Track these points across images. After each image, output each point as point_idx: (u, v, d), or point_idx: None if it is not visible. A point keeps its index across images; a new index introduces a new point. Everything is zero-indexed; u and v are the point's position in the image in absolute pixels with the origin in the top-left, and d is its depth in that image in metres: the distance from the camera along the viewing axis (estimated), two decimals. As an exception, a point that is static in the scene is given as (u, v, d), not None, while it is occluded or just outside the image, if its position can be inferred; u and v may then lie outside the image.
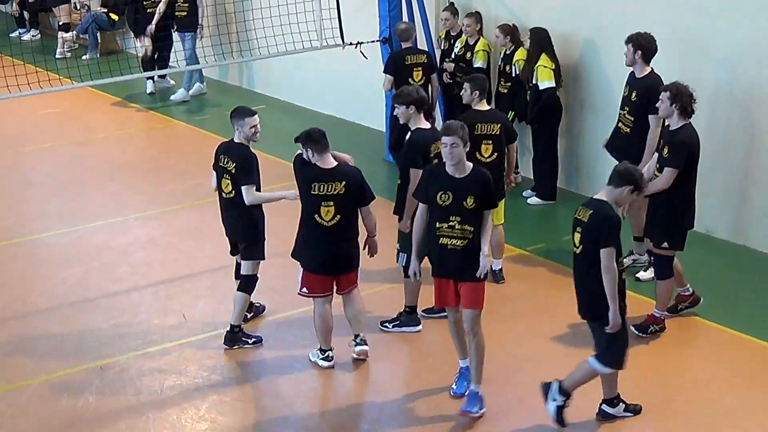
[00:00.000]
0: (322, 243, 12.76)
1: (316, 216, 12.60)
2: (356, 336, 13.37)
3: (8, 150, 20.62)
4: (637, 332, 13.90)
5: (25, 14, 29.23)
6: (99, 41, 26.42)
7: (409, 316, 13.98)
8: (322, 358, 13.09)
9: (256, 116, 13.32)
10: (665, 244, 13.78)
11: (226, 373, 13.09)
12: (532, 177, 18.13)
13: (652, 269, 15.04)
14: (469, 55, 18.36)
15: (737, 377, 12.86)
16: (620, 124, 15.15)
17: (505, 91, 18.06)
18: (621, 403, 12.15)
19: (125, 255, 16.14)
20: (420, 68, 18.33)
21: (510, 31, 17.96)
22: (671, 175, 13.37)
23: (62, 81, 22.03)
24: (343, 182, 12.69)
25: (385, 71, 18.66)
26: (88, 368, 13.07)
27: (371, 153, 19.78)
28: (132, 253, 16.20)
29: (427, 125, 13.65)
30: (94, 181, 19.21)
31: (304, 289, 12.85)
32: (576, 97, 17.88)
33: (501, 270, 15.08)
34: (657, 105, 13.65)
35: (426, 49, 18.87)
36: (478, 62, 18.12)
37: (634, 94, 14.86)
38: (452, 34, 18.96)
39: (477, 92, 14.43)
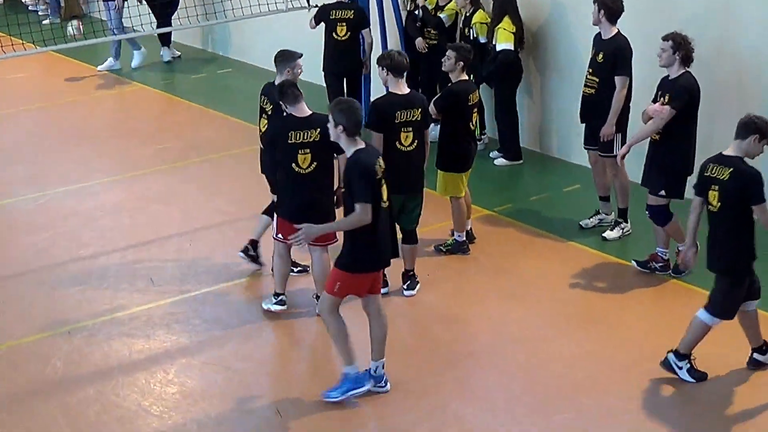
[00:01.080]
0: (298, 191, 12.76)
1: (293, 164, 12.60)
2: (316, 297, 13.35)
3: (-27, 115, 20.70)
4: (639, 267, 14.39)
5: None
6: (62, 5, 26.36)
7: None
8: (275, 302, 13.31)
9: (301, 59, 13.77)
10: (663, 192, 13.91)
11: (194, 336, 13.08)
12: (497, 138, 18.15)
13: (618, 228, 15.30)
14: (438, 13, 18.34)
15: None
16: (585, 87, 15.17)
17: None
18: None
19: (92, 220, 16.12)
20: (344, 23, 18.51)
21: None
22: (669, 115, 13.49)
23: (25, 46, 22.04)
24: (318, 129, 12.64)
25: (315, 19, 18.96)
26: (56, 333, 13.05)
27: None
28: (99, 218, 16.17)
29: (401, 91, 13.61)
30: (59, 146, 19.21)
31: (279, 235, 12.95)
32: (542, 59, 17.91)
33: (465, 242, 15.05)
34: (659, 55, 13.70)
35: (357, 5, 18.84)
36: (445, 16, 18.21)
37: (600, 56, 14.84)
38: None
39: (461, 63, 14.42)
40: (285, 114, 12.84)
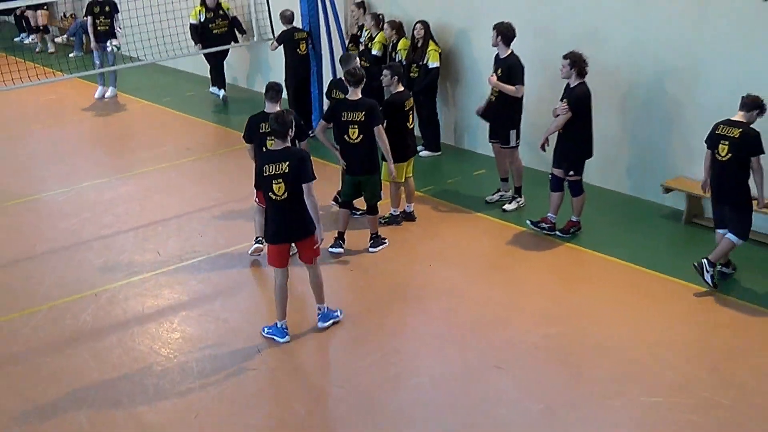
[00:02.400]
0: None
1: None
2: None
3: (17, 128, 20.40)
4: (561, 234, 14.36)
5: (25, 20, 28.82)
6: (84, 42, 26.18)
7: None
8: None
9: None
10: (572, 172, 14.12)
11: (192, 294, 13.07)
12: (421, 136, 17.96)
13: (515, 202, 15.37)
14: (370, 44, 18.15)
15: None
16: (490, 95, 15.19)
17: (414, 75, 17.59)
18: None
19: (111, 207, 16.01)
20: (304, 41, 18.66)
21: (396, 26, 17.75)
22: (566, 118, 13.77)
23: (55, 74, 22.00)
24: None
25: (277, 41, 19.12)
26: (85, 295, 13.05)
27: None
28: (116, 206, 16.06)
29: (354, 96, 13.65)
30: (83, 150, 19.04)
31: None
32: (454, 74, 17.80)
33: (399, 215, 15.06)
34: (561, 69, 13.93)
35: (306, 29, 18.83)
36: (374, 51, 17.90)
37: (499, 71, 14.88)
38: (357, 25, 18.74)
39: (396, 77, 14.45)
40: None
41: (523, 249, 14.13)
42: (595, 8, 15.55)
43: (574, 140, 14.02)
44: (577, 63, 13.86)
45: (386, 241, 14.30)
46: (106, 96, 22.13)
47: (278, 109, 12.85)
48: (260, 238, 13.75)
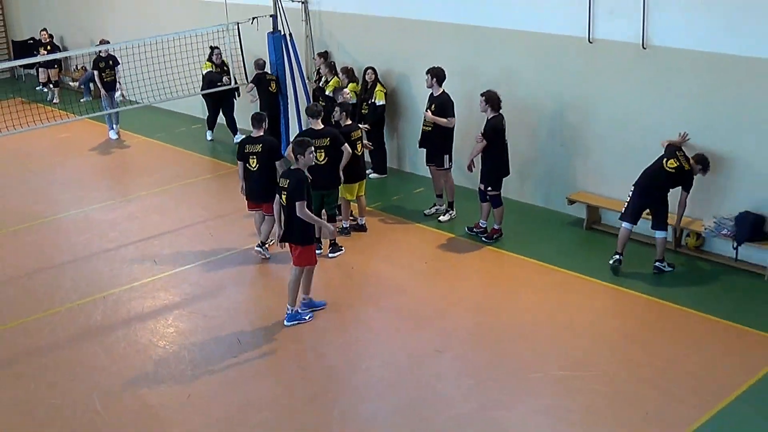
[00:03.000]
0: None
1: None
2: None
3: (38, 161, 20.10)
4: (486, 239, 14.32)
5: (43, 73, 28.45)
6: (92, 90, 25.84)
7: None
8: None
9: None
10: (490, 188, 14.15)
11: (183, 296, 13.00)
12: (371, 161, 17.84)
13: (448, 214, 15.31)
14: (326, 87, 18.03)
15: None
16: (424, 127, 15.15)
17: (365, 112, 17.42)
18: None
19: (114, 225, 15.89)
20: (274, 82, 18.61)
21: (347, 72, 17.71)
22: (482, 145, 13.82)
23: (69, 116, 21.90)
24: (260, 144, 13.51)
25: (252, 82, 18.96)
26: (96, 298, 13.00)
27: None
28: (119, 224, 15.93)
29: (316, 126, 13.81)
30: (90, 178, 18.78)
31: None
32: (396, 110, 17.75)
33: (365, 224, 15.07)
34: (480, 104, 13.94)
35: (275, 74, 18.75)
36: (328, 91, 17.72)
37: (433, 107, 14.88)
38: (316, 70, 18.70)
39: (344, 113, 14.50)
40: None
41: (456, 253, 14.09)
42: (511, 55, 15.59)
43: (492, 162, 14.05)
44: (490, 100, 13.92)
45: (343, 248, 14.24)
46: (114, 137, 21.89)
47: (261, 133, 13.62)
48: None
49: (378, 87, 17.21)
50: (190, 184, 18.05)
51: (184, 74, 19.89)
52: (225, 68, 19.65)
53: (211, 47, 20.01)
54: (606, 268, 13.12)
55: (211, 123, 21.01)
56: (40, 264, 14.44)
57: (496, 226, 14.45)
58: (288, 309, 12.05)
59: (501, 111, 13.98)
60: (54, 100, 25.45)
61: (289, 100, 18.86)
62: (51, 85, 26.19)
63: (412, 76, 17.17)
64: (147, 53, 19.79)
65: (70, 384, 10.86)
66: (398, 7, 17.31)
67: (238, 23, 18.97)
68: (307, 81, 18.83)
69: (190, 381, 10.84)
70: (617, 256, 13.01)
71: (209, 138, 20.93)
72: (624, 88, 14.16)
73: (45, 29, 26.45)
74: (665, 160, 12.84)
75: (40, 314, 12.67)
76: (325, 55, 18.63)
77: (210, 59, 20.15)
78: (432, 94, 15.07)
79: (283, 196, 11.62)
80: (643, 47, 13.64)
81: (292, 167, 11.69)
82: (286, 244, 11.93)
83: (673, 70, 13.48)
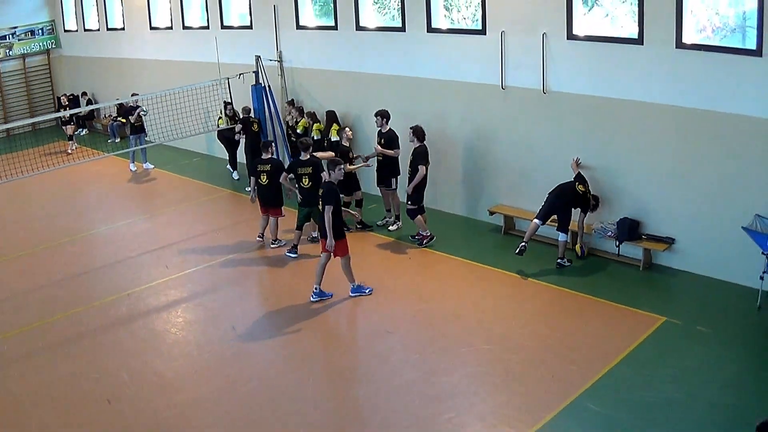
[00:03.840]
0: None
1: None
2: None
3: (77, 190, 19.81)
4: (419, 245, 14.05)
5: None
6: (117, 133, 25.40)
7: None
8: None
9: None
10: (409, 203, 14.01)
11: (189, 292, 12.91)
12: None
13: (396, 225, 15.13)
14: (296, 127, 17.87)
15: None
16: (378, 158, 14.98)
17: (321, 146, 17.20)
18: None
19: (136, 238, 15.71)
20: (256, 124, 18.14)
21: (311, 115, 17.55)
22: (424, 170, 13.53)
23: (99, 153, 21.67)
24: (269, 164, 13.92)
25: (239, 123, 18.30)
26: (121, 295, 12.92)
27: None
28: (139, 237, 15.77)
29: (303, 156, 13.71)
30: (118, 202, 18.58)
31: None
32: (354, 143, 17.18)
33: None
34: (409, 135, 13.85)
35: (257, 117, 18.37)
36: (299, 129, 17.49)
37: (382, 141, 14.68)
38: (288, 115, 18.35)
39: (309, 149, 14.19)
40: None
41: (400, 254, 13.99)
42: (441, 99, 15.54)
43: (417, 184, 13.88)
44: (416, 132, 13.78)
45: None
46: (144, 168, 21.40)
47: (269, 156, 14.05)
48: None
49: (333, 126, 16.86)
50: (193, 205, 17.86)
51: (188, 119, 19.71)
52: (237, 118, 18.90)
53: (225, 102, 19.18)
54: (519, 264, 13.06)
55: (233, 164, 19.99)
56: (80, 269, 14.27)
57: (422, 233, 14.20)
58: (315, 288, 12.08)
59: (425, 141, 13.85)
60: (69, 151, 24.82)
61: (268, 137, 18.65)
62: (70, 139, 25.58)
63: (364, 116, 17.08)
64: (158, 103, 19.66)
65: (104, 361, 10.84)
66: (351, 63, 17.23)
67: (228, 78, 18.93)
68: (282, 122, 18.73)
69: (196, 358, 10.81)
70: (523, 244, 12.92)
71: (236, 177, 19.65)
72: (530, 124, 14.16)
73: (65, 94, 26.17)
74: (577, 183, 12.92)
75: (81, 308, 12.56)
76: (292, 103, 18.44)
77: (225, 113, 19.23)
78: (380, 131, 14.86)
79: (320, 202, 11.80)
80: (544, 92, 13.70)
81: (325, 180, 11.92)
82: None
83: (566, 109, 13.55)
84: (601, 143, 13.24)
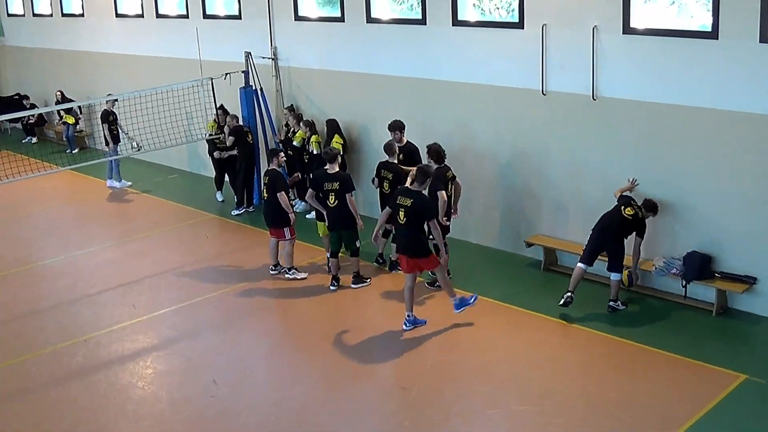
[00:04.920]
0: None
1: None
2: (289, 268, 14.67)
3: (22, 209, 19.91)
4: (428, 286, 14.07)
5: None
6: (75, 145, 25.53)
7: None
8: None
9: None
10: (431, 236, 13.37)
11: (161, 338, 12.91)
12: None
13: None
14: (293, 138, 17.95)
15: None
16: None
17: (306, 161, 17.63)
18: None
19: (95, 270, 15.78)
20: (248, 134, 18.43)
21: (309, 125, 17.61)
22: (444, 195, 13.35)
23: (52, 167, 21.80)
24: (267, 176, 14.36)
25: (231, 136, 18.49)
26: (78, 341, 12.86)
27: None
28: (100, 269, 15.82)
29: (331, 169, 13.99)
30: (72, 226, 18.67)
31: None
32: (359, 159, 17.64)
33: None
34: (427, 160, 13.70)
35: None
36: (295, 142, 17.67)
37: (401, 156, 14.69)
38: (286, 122, 18.52)
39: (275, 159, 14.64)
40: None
41: (418, 293, 13.70)
42: (466, 107, 15.59)
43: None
44: (433, 153, 13.65)
45: (369, 280, 14.47)
46: (118, 187, 21.54)
47: (271, 167, 14.49)
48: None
49: (335, 138, 17.04)
50: (167, 232, 17.94)
51: (162, 128, 19.85)
52: (226, 130, 19.01)
53: (220, 108, 19.31)
54: (563, 308, 13.07)
55: (219, 183, 19.91)
56: (26, 308, 14.29)
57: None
58: (407, 315, 12.61)
59: (445, 163, 13.77)
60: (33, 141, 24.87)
61: (260, 151, 18.87)
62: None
63: (373, 127, 17.14)
64: (125, 108, 19.80)
65: (54, 423, 10.74)
66: (360, 62, 17.36)
67: (212, 79, 19.00)
68: (277, 132, 18.85)
69: (169, 420, 10.71)
70: (569, 294, 12.89)
71: (219, 199, 19.78)
72: (576, 137, 14.23)
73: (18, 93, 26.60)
74: (623, 207, 12.88)
75: (26, 356, 12.50)
76: (291, 109, 18.54)
77: (216, 121, 19.39)
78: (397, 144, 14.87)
79: (401, 213, 12.33)
80: (594, 98, 13.72)
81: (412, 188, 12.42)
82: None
83: (621, 119, 13.59)
84: (665, 161, 13.25)
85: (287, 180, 15.76)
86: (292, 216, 14.56)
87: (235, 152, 18.86)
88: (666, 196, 13.25)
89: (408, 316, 12.62)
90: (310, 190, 14.27)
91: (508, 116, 15.06)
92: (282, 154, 15.07)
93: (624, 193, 13.19)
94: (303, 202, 17.70)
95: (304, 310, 13.68)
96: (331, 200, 13.93)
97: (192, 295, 14.44)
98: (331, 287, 14.34)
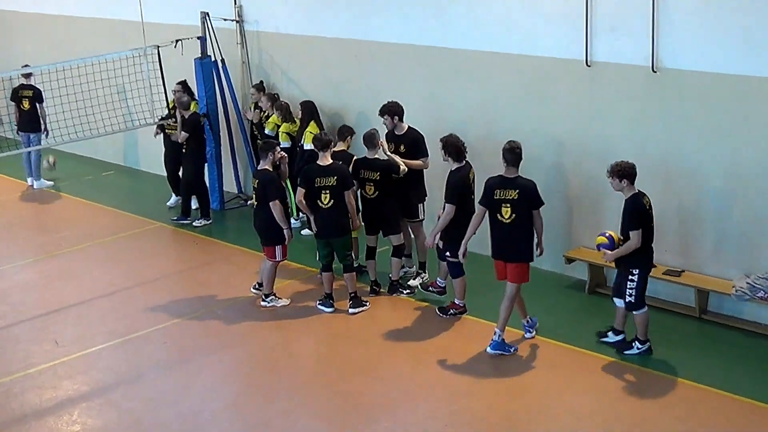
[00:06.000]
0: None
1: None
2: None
3: None
4: (440, 314, 14.16)
5: None
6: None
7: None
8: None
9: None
10: (447, 254, 13.83)
11: (93, 384, 12.77)
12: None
13: (419, 278, 15.18)
14: (265, 123, 18.02)
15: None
16: (393, 175, 14.73)
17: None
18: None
19: (5, 297, 15.59)
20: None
21: (282, 108, 17.58)
22: (450, 215, 13.42)
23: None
24: (257, 179, 14.46)
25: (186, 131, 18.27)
26: (-20, 390, 12.82)
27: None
28: (10, 295, 15.65)
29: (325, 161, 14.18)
30: None
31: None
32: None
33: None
34: (442, 159, 13.74)
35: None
36: (267, 129, 17.73)
37: (402, 147, 14.73)
38: (259, 105, 18.43)
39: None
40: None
41: (426, 324, 14.03)
42: (490, 84, 15.66)
43: (453, 221, 13.72)
44: (449, 147, 13.63)
45: (368, 303, 14.58)
46: (35, 187, 21.55)
47: (264, 166, 14.43)
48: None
49: (309, 126, 16.95)
50: (100, 245, 17.89)
51: (95, 111, 19.84)
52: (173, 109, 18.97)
53: (179, 85, 19.13)
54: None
55: (174, 181, 19.68)
56: None
57: (457, 301, 14.26)
58: (495, 334, 12.96)
59: (466, 160, 13.83)
60: None
61: (220, 140, 19.04)
62: None
63: (372, 111, 16.75)
64: (43, 86, 20.05)
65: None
66: (353, 27, 17.50)
67: (158, 47, 18.90)
68: (245, 116, 18.99)
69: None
70: (620, 337, 13.00)
71: (170, 204, 19.78)
72: (630, 120, 14.29)
73: None
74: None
75: None
76: (261, 88, 18.59)
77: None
78: (394, 133, 15.03)
79: (506, 210, 12.77)
80: (654, 70, 13.76)
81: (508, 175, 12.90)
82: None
83: (689, 97, 13.66)
84: (750, 151, 13.28)
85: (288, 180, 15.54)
86: (287, 232, 14.49)
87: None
88: (750, 192, 13.30)
89: (498, 337, 12.92)
90: (300, 190, 14.17)
91: (541, 95, 15.17)
92: (279, 148, 14.81)
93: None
94: (298, 220, 17.60)
95: (284, 345, 13.68)
96: (325, 200, 14.03)
97: (134, 327, 14.36)
98: (319, 305, 14.49)
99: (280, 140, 17.21)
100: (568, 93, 14.82)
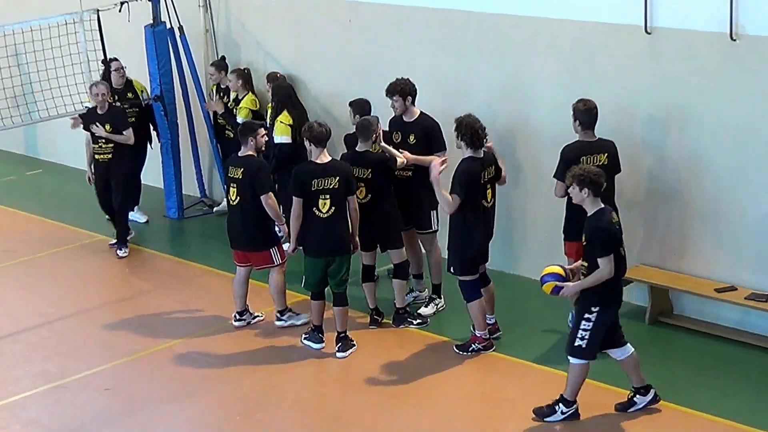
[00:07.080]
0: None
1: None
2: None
3: None
4: (459, 351, 14.16)
5: None
6: None
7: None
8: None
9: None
10: (452, 270, 13.87)
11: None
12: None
13: (433, 305, 15.26)
14: (236, 110, 18.18)
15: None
16: (402, 173, 14.97)
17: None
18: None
19: None
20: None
21: (242, 75, 18.03)
22: (454, 202, 13.41)
23: None
24: (242, 168, 14.50)
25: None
26: None
27: (151, 209, 19.60)
28: None
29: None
30: None
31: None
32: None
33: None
34: (456, 145, 13.81)
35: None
36: (240, 117, 17.75)
37: (411, 137, 14.78)
38: (222, 87, 18.71)
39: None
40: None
41: (446, 364, 14.00)
42: (522, 57, 15.83)
43: (455, 233, 13.87)
44: (464, 129, 13.61)
45: (355, 344, 14.51)
46: None
47: (247, 152, 14.56)
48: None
49: (281, 115, 16.96)
50: (28, 264, 18.03)
51: (14, 92, 19.96)
52: (130, 96, 18.87)
53: (106, 61, 19.22)
54: (691, 386, 13.21)
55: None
56: None
57: (478, 333, 14.23)
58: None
59: (485, 151, 13.91)
60: None
61: (177, 126, 19.17)
62: None
63: (369, 92, 16.80)
64: None
65: None
66: None
67: (98, 10, 18.96)
68: (207, 99, 19.08)
69: None
70: (650, 393, 12.86)
71: (141, 220, 19.76)
72: (703, 99, 14.41)
73: None
74: None
75: None
76: (222, 65, 18.76)
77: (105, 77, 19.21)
78: (401, 118, 15.13)
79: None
80: (732, 38, 13.82)
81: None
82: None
83: None
84: None
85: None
86: (283, 228, 14.74)
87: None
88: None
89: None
90: (296, 200, 14.01)
91: (591, 69, 15.32)
92: (263, 130, 14.92)
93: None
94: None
95: (262, 392, 13.65)
96: (324, 207, 13.94)
97: (70, 369, 14.31)
98: (305, 341, 14.49)
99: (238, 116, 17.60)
100: (621, 67, 14.97)
